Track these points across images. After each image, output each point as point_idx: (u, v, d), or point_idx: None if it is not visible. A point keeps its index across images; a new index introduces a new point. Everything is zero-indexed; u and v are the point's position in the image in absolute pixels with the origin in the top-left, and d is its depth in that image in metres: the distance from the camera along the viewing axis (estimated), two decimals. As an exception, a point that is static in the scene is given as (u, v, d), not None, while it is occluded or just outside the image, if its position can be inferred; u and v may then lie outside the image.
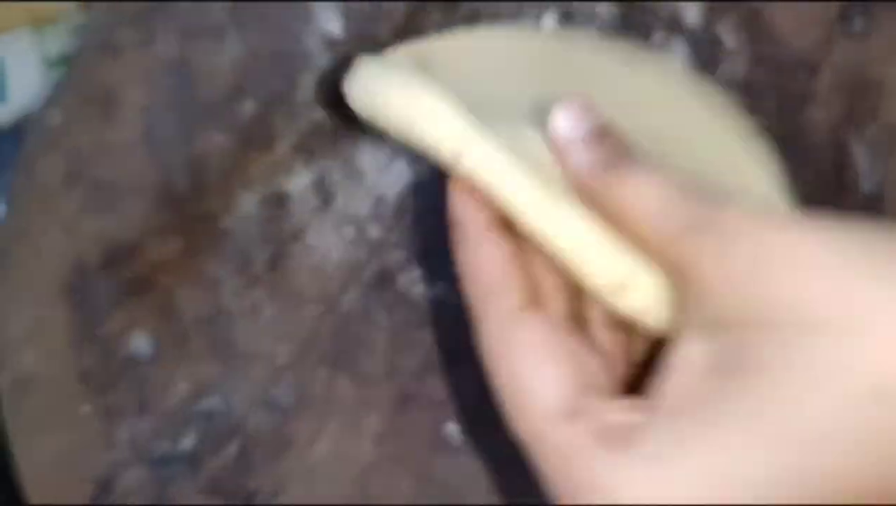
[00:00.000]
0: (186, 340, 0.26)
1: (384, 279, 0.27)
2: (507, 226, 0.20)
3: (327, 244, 0.27)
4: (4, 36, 0.33)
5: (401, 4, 0.30)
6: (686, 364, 0.16)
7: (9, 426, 0.25)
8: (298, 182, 0.28)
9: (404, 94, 0.21)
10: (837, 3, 0.29)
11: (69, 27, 0.33)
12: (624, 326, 0.19)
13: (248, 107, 0.29)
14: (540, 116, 0.22)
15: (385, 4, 0.30)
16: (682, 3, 0.29)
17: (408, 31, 0.30)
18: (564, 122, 0.19)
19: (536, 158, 0.20)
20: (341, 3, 0.30)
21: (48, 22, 0.33)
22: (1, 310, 0.27)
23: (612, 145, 0.19)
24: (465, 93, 0.23)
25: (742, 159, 0.26)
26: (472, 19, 0.30)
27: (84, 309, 0.27)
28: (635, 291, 0.18)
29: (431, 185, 0.28)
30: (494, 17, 0.30)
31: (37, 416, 0.25)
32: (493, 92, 0.26)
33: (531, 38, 0.28)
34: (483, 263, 0.19)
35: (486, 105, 0.22)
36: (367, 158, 0.28)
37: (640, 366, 0.19)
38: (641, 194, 0.18)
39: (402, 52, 0.27)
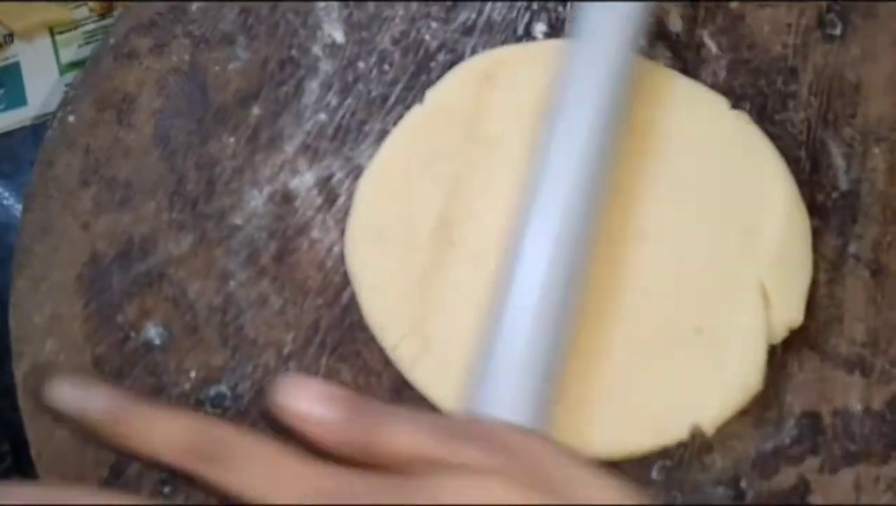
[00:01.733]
0: (197, 329, 0.28)
1: (384, 273, 0.28)
2: None
3: (331, 239, 0.29)
4: (23, 42, 0.35)
5: (400, 13, 0.32)
6: None
7: (25, 413, 0.27)
8: (304, 181, 0.30)
9: None
10: (815, 9, 0.31)
11: (85, 33, 0.35)
12: None
13: (256, 110, 0.31)
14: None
15: (385, 13, 0.32)
16: (666, 11, 0.31)
17: (406, 39, 0.32)
18: (292, 399, 0.18)
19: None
20: (344, 10, 0.32)
21: (65, 28, 0.35)
22: (22, 302, 0.28)
23: (347, 400, 0.18)
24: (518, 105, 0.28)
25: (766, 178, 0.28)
26: (469, 29, 0.32)
27: (100, 300, 0.28)
28: None
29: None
30: (489, 27, 0.32)
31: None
32: (540, 104, 0.28)
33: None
34: None
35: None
36: (369, 158, 0.30)
37: None
38: (404, 435, 0.17)
39: (479, 59, 0.30)
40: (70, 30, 0.35)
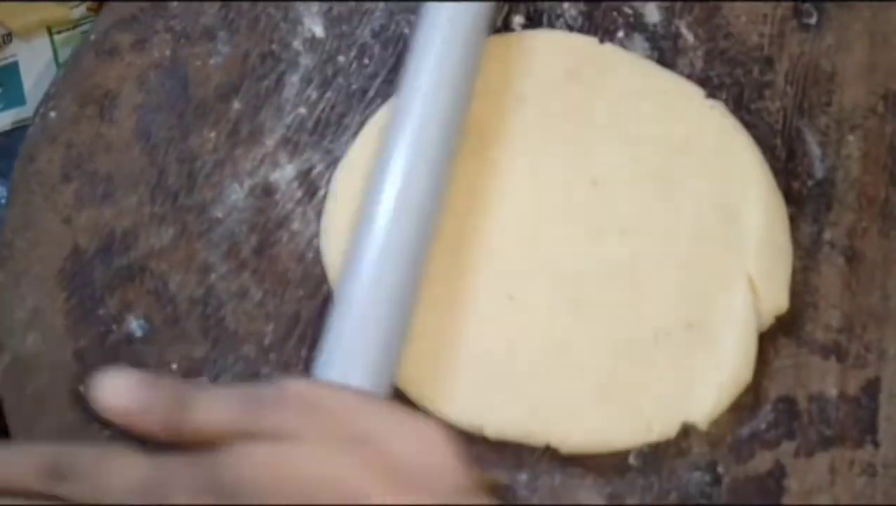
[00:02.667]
0: (178, 321, 0.28)
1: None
2: None
3: (311, 231, 0.29)
4: (21, 42, 0.35)
5: (380, 5, 0.32)
6: None
7: (7, 406, 0.27)
8: (284, 174, 0.30)
9: None
10: None
11: (84, 33, 0.35)
12: None
13: (237, 104, 0.31)
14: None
15: (365, 5, 0.32)
16: (644, 2, 0.31)
17: (386, 32, 0.32)
18: (111, 396, 0.19)
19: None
20: (324, 5, 0.32)
21: (64, 27, 0.35)
22: (4, 296, 0.28)
23: (164, 386, 0.19)
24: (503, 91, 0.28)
25: (742, 167, 0.28)
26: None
27: (81, 294, 0.28)
28: None
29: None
30: (468, 18, 0.32)
31: (35, 395, 0.27)
32: (525, 94, 0.29)
33: (586, 46, 0.30)
34: None
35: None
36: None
37: None
38: (211, 412, 0.18)
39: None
40: (68, 29, 0.35)
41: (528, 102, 0.29)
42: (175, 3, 0.32)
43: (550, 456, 0.26)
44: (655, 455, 0.26)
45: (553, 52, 0.30)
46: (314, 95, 0.31)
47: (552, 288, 0.27)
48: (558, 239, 0.28)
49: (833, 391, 0.27)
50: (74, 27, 0.35)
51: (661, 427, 0.26)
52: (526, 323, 0.27)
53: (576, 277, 0.27)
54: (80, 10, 0.35)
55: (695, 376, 0.26)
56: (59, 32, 0.35)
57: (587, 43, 0.31)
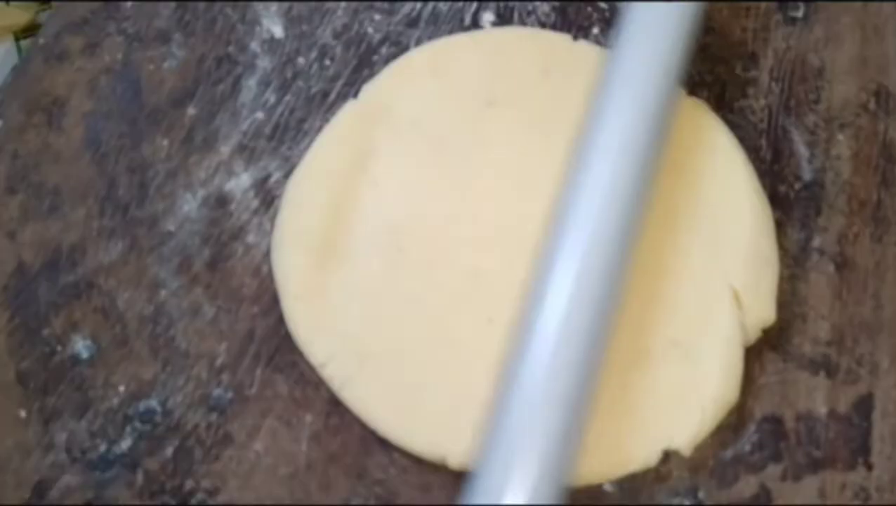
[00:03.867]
0: (126, 341, 0.26)
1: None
2: None
3: (267, 244, 0.27)
4: None
5: (341, 5, 0.31)
6: None
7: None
8: (240, 183, 0.28)
9: None
10: (775, -8, 0.29)
11: None
12: None
13: (192, 110, 0.29)
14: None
15: (326, 4, 0.30)
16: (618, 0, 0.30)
17: (348, 32, 0.30)
18: None
19: None
20: (283, 4, 0.31)
21: (29, 33, 0.34)
22: (-57, 316, 0.27)
23: None
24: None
25: (725, 168, 0.27)
26: (414, 21, 0.30)
27: (25, 313, 0.27)
28: None
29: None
30: (434, 18, 0.30)
31: (-21, 421, 0.25)
32: (488, 96, 0.27)
33: (551, 42, 0.28)
34: None
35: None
36: (309, 157, 0.28)
37: None
38: None
39: (421, 50, 0.28)
40: (34, 34, 0.34)
41: (502, 105, 0.28)
42: (128, 5, 0.31)
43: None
44: (633, 482, 0.24)
45: (525, 50, 0.29)
46: (272, 99, 0.29)
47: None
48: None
49: (822, 409, 0.25)
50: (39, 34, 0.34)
51: (641, 457, 0.24)
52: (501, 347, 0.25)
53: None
54: (45, 15, 0.34)
55: (677, 400, 0.24)
56: (25, 38, 0.34)
57: (560, 40, 0.29)
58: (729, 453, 0.25)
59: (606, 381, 0.24)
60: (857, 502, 0.24)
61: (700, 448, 0.25)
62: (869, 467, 0.24)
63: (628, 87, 0.23)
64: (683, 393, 0.24)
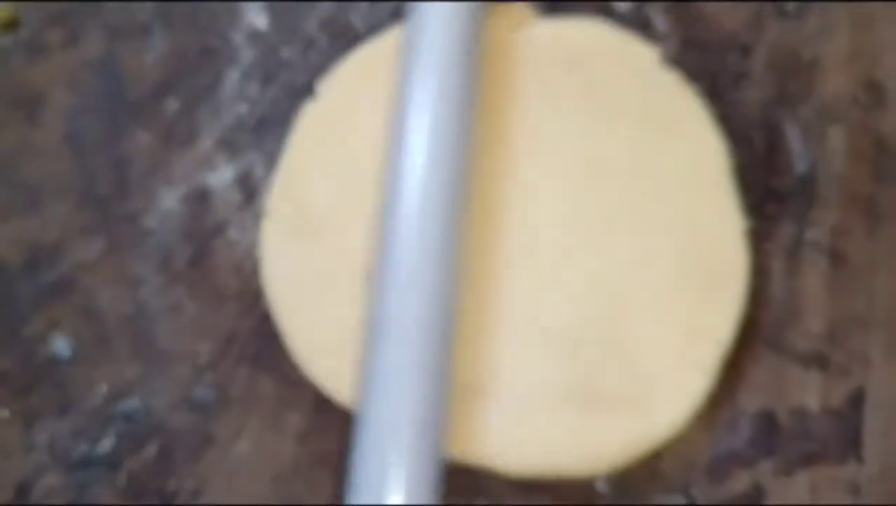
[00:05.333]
0: (107, 340, 0.26)
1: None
2: None
3: (249, 240, 0.27)
4: None
5: (326, -4, 0.30)
6: None
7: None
8: (221, 177, 0.28)
9: None
10: (768, -18, 0.29)
11: None
12: None
13: (173, 103, 0.29)
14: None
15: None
16: (609, -13, 0.29)
17: (333, 23, 0.30)
18: None
19: None
20: (267, -4, 0.30)
21: (9, 30, 0.33)
22: (-80, 315, 0.26)
23: None
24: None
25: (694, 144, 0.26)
26: (397, 13, 0.30)
27: (4, 312, 0.26)
28: None
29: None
30: (422, 7, 0.30)
31: (-43, 422, 0.25)
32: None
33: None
34: None
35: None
36: (294, 152, 0.28)
37: None
38: None
39: (387, 41, 0.27)
40: (14, 29, 0.33)
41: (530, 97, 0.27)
42: (109, -4, 0.30)
43: (510, 481, 0.24)
44: (624, 480, 0.24)
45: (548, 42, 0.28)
46: (255, 92, 0.29)
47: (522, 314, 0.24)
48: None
49: (815, 404, 0.25)
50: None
51: (629, 451, 0.23)
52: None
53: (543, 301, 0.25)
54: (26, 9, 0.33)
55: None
56: (4, 34, 0.33)
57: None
58: (721, 450, 0.24)
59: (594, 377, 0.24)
60: (847, 496, 0.24)
61: (692, 444, 0.24)
62: (860, 460, 0.24)
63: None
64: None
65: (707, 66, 0.29)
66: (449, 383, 0.22)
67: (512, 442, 0.23)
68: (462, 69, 0.24)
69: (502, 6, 0.29)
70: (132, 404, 0.25)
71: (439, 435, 0.21)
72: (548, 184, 0.26)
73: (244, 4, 0.30)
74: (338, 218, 0.25)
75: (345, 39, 0.29)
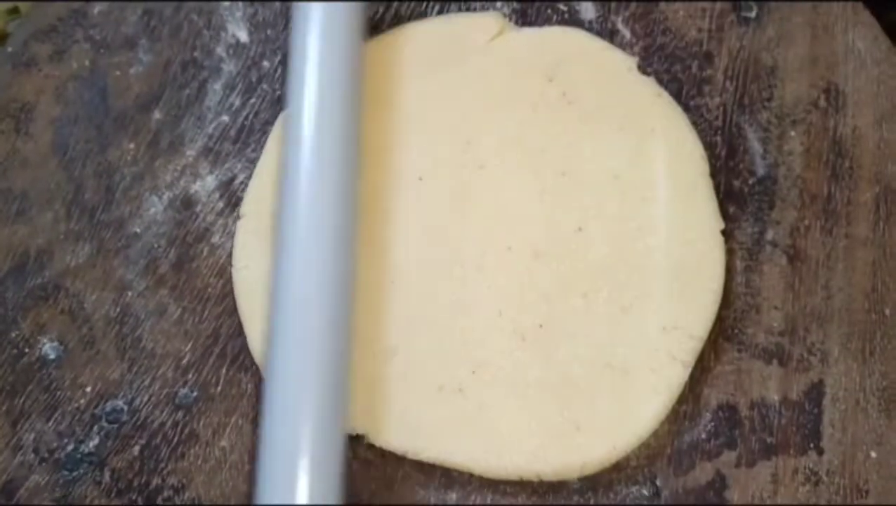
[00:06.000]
0: (93, 342, 0.26)
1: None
2: None
3: (231, 245, 0.27)
4: None
5: (305, 10, 0.31)
6: None
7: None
8: (205, 185, 0.29)
9: None
10: (729, -8, 0.30)
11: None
12: None
13: (158, 114, 0.30)
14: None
15: (290, 9, 0.31)
16: (579, 1, 0.30)
17: (312, 35, 0.31)
18: None
19: None
20: (248, 9, 0.31)
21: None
22: (-89, 320, 0.27)
23: None
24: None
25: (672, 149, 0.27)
26: (377, 24, 0.31)
27: (-7, 316, 0.27)
28: None
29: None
30: (397, 20, 0.31)
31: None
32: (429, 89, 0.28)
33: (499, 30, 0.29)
34: None
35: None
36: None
37: None
38: None
39: (377, 42, 0.29)
40: (2, 43, 0.34)
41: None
42: (96, 12, 0.31)
43: (481, 476, 0.25)
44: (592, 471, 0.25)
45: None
46: (237, 102, 0.30)
47: (497, 314, 0.26)
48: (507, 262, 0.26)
49: (775, 397, 0.26)
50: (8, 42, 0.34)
51: (601, 451, 0.24)
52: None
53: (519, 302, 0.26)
54: (14, 24, 0.34)
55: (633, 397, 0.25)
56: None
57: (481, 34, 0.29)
58: (685, 441, 0.25)
59: (569, 384, 0.25)
60: (808, 486, 0.25)
61: (657, 436, 0.25)
62: (820, 451, 0.25)
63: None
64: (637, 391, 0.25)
65: (671, 72, 0.30)
66: (349, 351, 0.24)
67: (491, 444, 0.24)
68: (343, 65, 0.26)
69: (478, 16, 0.30)
70: (117, 403, 0.26)
71: (343, 400, 0.23)
72: (527, 186, 0.27)
73: (226, 19, 0.31)
74: None
75: (323, 51, 0.30)
